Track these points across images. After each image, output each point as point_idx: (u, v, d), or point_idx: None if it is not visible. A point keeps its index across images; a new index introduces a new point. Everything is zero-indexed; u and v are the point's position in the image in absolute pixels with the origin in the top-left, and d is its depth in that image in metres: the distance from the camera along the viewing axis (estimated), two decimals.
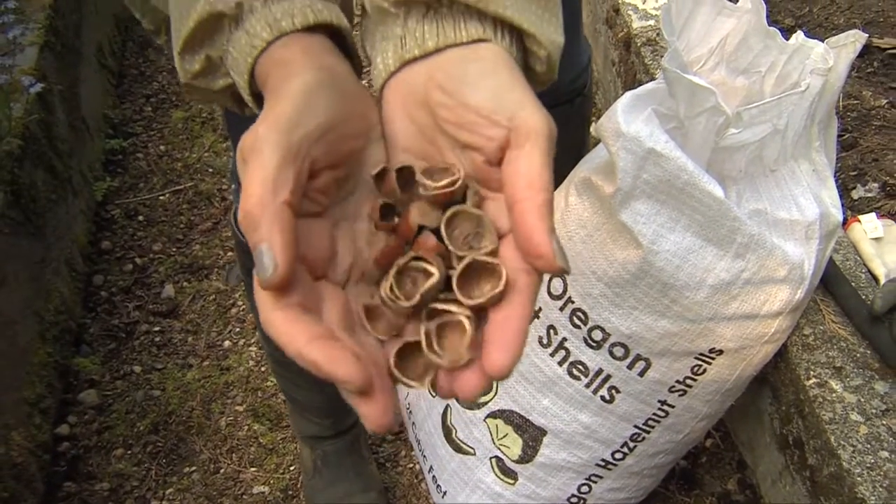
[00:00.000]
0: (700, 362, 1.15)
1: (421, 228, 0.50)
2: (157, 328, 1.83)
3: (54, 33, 1.95)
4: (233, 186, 1.16)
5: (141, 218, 2.03)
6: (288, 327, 0.43)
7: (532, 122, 0.47)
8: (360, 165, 0.52)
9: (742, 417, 1.49)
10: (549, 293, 1.18)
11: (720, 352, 1.14)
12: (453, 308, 0.47)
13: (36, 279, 1.66)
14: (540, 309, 1.20)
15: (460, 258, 0.48)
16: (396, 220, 0.51)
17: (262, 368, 1.74)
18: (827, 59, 1.08)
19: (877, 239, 1.37)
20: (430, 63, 0.52)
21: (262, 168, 0.45)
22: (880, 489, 1.10)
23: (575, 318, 1.16)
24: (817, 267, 1.12)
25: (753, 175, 1.11)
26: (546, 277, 1.19)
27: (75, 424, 1.66)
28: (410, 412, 1.47)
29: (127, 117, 2.24)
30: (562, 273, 0.45)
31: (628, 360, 1.15)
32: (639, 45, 1.72)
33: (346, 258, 0.50)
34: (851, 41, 1.10)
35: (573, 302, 1.16)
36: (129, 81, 2.36)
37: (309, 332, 0.43)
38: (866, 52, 1.71)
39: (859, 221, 1.39)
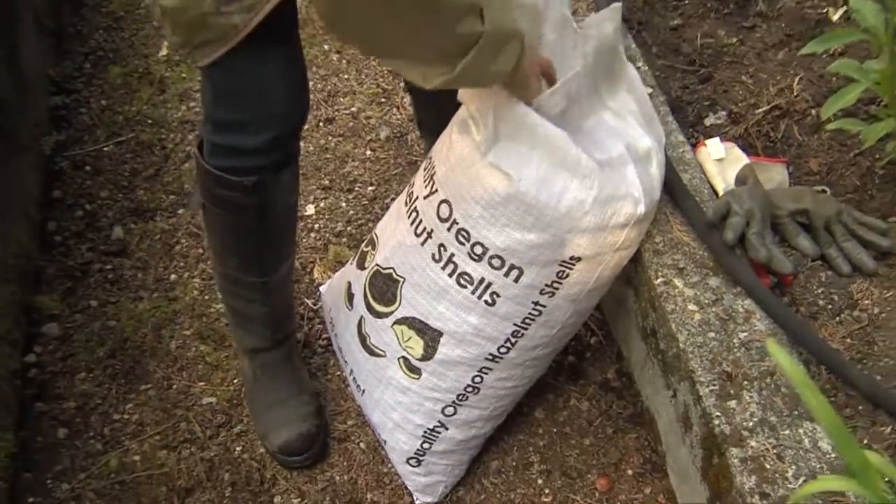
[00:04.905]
0: (563, 268, 1.40)
1: None
2: (109, 266, 2.03)
3: None
4: (203, 111, 1.41)
5: (88, 168, 2.21)
6: None
7: None
8: None
9: (617, 315, 1.76)
10: (439, 217, 1.42)
11: (579, 259, 1.39)
12: None
13: None
14: (432, 230, 1.44)
15: None
16: None
17: (206, 297, 1.96)
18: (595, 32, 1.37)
19: (719, 160, 1.63)
20: None
21: None
22: (706, 362, 1.37)
23: (460, 237, 1.40)
24: (648, 186, 1.37)
25: (573, 129, 1.36)
26: (435, 204, 1.43)
27: (41, 353, 1.87)
28: (333, 325, 1.71)
29: (68, 75, 2.41)
30: None
31: (504, 269, 1.40)
32: None
33: None
34: (611, 15, 1.38)
35: (458, 223, 1.40)
36: (67, 41, 2.51)
37: None
38: None
39: (705, 145, 1.64)
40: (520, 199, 1.33)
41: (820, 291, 1.48)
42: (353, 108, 2.29)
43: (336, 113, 2.28)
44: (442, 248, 1.43)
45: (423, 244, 1.46)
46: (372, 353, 1.57)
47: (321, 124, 2.24)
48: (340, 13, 1.04)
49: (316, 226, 2.06)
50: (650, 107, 1.45)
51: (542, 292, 1.42)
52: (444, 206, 1.42)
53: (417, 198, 1.49)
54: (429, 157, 1.51)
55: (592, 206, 1.33)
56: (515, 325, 1.46)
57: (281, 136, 1.38)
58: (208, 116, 1.38)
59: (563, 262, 1.39)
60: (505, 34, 1.13)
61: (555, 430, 1.72)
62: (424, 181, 1.48)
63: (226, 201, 1.44)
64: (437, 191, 1.44)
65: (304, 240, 2.03)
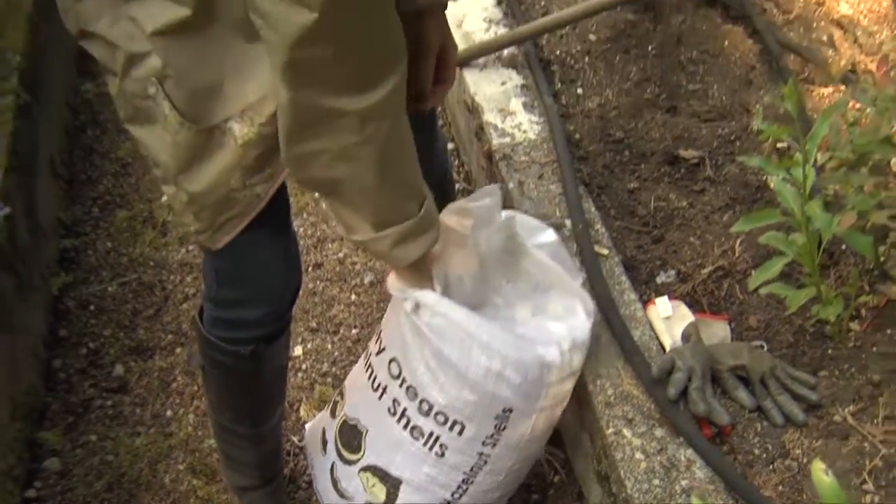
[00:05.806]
0: (499, 421, 1.54)
1: None
2: (109, 402, 2.18)
3: (16, 156, 2.31)
4: (205, 290, 1.56)
5: (92, 307, 2.38)
6: None
7: None
8: None
9: (577, 457, 1.89)
10: (390, 373, 1.58)
11: (511, 410, 1.53)
12: None
13: (8, 368, 2.01)
14: (386, 386, 1.59)
15: None
16: None
17: (199, 433, 2.10)
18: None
19: (667, 318, 1.78)
20: None
21: None
22: None
23: (409, 393, 1.55)
24: (567, 347, 1.55)
25: (483, 305, 1.60)
26: (386, 361, 1.59)
27: (41, 488, 2.00)
28: (312, 466, 1.85)
29: (77, 218, 2.60)
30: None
31: (448, 424, 1.54)
32: (497, 159, 2.13)
33: None
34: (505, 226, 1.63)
35: (406, 381, 1.55)
36: (77, 185, 2.71)
37: None
38: (675, 161, 2.15)
39: (655, 304, 1.80)
40: (449, 364, 1.49)
41: (756, 441, 1.61)
42: (339, 254, 2.46)
43: (324, 258, 2.45)
44: (396, 403, 1.58)
45: (380, 398, 1.60)
46: (342, 496, 1.70)
47: (310, 269, 2.42)
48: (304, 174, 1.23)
49: (303, 366, 2.21)
50: (569, 282, 1.63)
51: (484, 443, 1.56)
52: (393, 364, 1.58)
53: (371, 354, 1.65)
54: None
55: (511, 367, 1.49)
56: (464, 473, 1.59)
57: (277, 310, 1.54)
58: (211, 296, 1.53)
59: (498, 415, 1.53)
60: (430, 222, 1.34)
61: None
62: (376, 339, 1.65)
63: (223, 365, 1.59)
64: (385, 348, 1.60)
65: (291, 379, 2.17)
